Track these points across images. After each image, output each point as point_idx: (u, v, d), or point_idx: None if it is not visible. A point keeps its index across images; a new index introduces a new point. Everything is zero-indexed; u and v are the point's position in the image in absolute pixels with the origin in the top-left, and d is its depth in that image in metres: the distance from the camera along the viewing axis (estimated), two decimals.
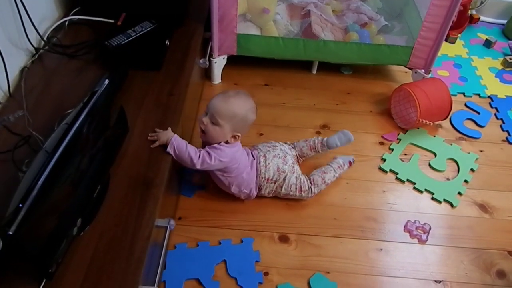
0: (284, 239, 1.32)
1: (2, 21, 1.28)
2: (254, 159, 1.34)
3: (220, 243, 1.29)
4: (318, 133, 1.66)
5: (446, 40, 2.14)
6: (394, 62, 1.79)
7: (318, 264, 1.26)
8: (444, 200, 1.45)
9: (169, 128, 1.22)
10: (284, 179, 1.34)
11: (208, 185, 1.42)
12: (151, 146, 1.18)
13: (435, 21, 1.59)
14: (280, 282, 1.21)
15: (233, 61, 1.79)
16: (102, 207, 1.03)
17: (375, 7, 1.93)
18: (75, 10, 1.59)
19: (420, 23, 1.62)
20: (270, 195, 1.38)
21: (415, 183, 1.49)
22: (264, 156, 1.34)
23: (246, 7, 1.69)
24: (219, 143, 1.22)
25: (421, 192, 1.48)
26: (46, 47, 1.45)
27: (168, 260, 1.23)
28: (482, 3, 2.26)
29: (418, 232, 1.36)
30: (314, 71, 1.92)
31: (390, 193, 1.47)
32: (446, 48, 2.12)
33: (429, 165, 1.56)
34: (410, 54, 1.71)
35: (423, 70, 1.76)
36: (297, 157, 1.47)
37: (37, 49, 1.44)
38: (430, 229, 1.37)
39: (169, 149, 1.18)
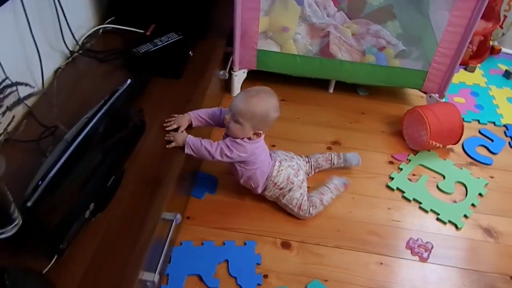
0: (286, 245, 1.36)
1: (43, 26, 1.41)
2: (271, 160, 1.37)
3: (224, 244, 1.34)
4: (329, 148, 1.71)
5: (465, 69, 2.18)
6: (408, 85, 1.83)
7: (317, 272, 1.29)
8: (449, 221, 1.46)
9: (184, 131, 1.30)
10: (290, 190, 1.38)
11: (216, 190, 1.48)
12: (167, 146, 1.26)
13: (449, 47, 1.63)
14: (278, 285, 1.25)
15: (252, 76, 1.87)
16: (114, 198, 1.11)
17: (394, 33, 1.99)
18: (109, 20, 1.72)
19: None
20: (272, 199, 1.43)
21: (421, 203, 1.51)
22: (280, 162, 1.38)
23: (268, 25, 1.79)
24: (242, 139, 1.26)
25: (426, 211, 1.49)
26: (80, 52, 1.58)
27: (173, 255, 1.29)
28: (503, 34, 2.29)
29: (419, 250, 1.37)
30: (331, 90, 1.98)
31: (395, 210, 1.49)
32: (464, 76, 2.15)
33: (437, 186, 1.58)
34: (424, 78, 1.75)
35: (437, 95, 1.80)
36: (310, 170, 1.53)
37: (71, 53, 1.56)
38: (432, 248, 1.38)
39: (186, 150, 1.25)
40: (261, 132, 1.26)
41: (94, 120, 1.03)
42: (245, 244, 1.35)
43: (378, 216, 1.47)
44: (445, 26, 1.59)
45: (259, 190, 1.39)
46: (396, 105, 1.93)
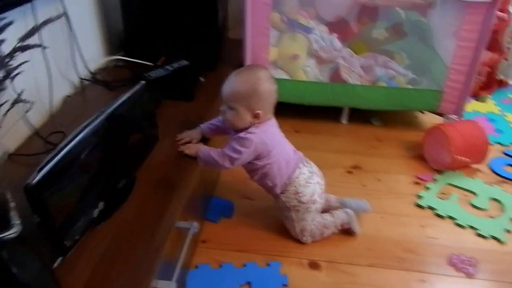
0: (314, 265, 1.22)
1: (56, 56, 1.41)
2: (294, 157, 1.23)
3: (244, 266, 1.20)
4: (349, 172, 1.62)
5: (476, 100, 2.16)
6: (424, 107, 1.79)
7: None
8: (491, 236, 1.33)
9: (193, 140, 1.24)
10: (306, 210, 1.22)
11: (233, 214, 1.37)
12: (179, 149, 1.20)
13: (462, 63, 1.62)
14: None
15: None
16: (126, 203, 1.01)
17: (402, 64, 1.99)
18: (120, 53, 1.73)
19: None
20: (280, 205, 1.26)
21: (456, 219, 1.39)
22: (311, 173, 1.24)
23: (277, 54, 1.79)
24: (245, 129, 1.15)
25: (463, 227, 1.36)
26: (90, 81, 1.56)
27: (188, 279, 1.15)
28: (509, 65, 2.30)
29: (464, 266, 1.22)
30: (344, 121, 1.93)
31: (429, 228, 1.36)
32: (477, 106, 2.12)
33: (470, 203, 1.46)
34: (440, 99, 1.72)
35: (455, 116, 1.75)
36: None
37: (82, 81, 1.55)
38: (477, 262, 1.23)
39: (199, 162, 1.17)
40: (259, 112, 1.12)
41: (106, 113, 0.96)
42: (268, 265, 1.20)
43: (411, 233, 1.34)
44: (455, 42, 1.59)
45: (278, 190, 1.22)
46: (413, 132, 1.87)
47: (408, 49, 2.01)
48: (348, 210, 1.31)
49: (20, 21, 1.12)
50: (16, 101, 0.80)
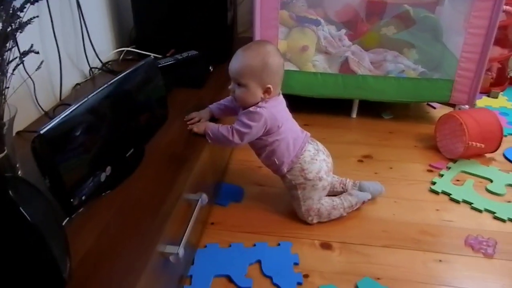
0: (326, 246, 1.18)
1: (68, 46, 1.44)
2: (302, 135, 1.22)
3: (254, 245, 1.17)
4: (360, 161, 1.59)
5: (488, 96, 2.13)
6: (435, 98, 1.77)
7: (367, 271, 1.10)
8: (509, 219, 1.28)
9: (202, 119, 1.23)
10: (312, 187, 1.20)
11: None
12: (188, 128, 1.19)
13: (473, 51, 1.61)
14: (323, 284, 1.05)
15: None
16: (136, 173, 1.00)
17: (412, 59, 1.98)
18: (130, 47, 1.75)
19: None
20: (287, 185, 1.24)
21: (472, 203, 1.34)
22: (317, 150, 1.22)
23: (286, 47, 1.80)
24: (255, 105, 1.12)
25: (480, 211, 1.32)
26: (100, 69, 1.58)
27: (196, 257, 1.12)
28: None
29: (482, 246, 1.18)
30: (354, 115, 1.92)
31: (445, 211, 1.32)
32: (489, 102, 2.09)
33: (486, 189, 1.42)
34: (451, 88, 1.70)
35: (467, 106, 1.72)
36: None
37: (92, 71, 1.56)
38: (496, 243, 1.19)
39: (209, 140, 1.16)
40: (270, 86, 1.10)
41: (116, 81, 0.96)
42: (279, 244, 1.17)
43: (427, 217, 1.30)
44: (465, 29, 1.58)
45: (284, 169, 1.20)
46: (424, 125, 1.84)
47: (418, 43, 2.01)
48: (352, 191, 1.29)
49: None
50: (26, 52, 0.80)
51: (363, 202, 1.30)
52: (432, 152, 1.65)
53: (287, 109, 1.22)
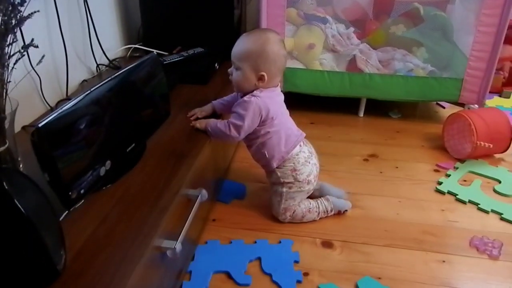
0: (327, 244, 1.17)
1: (76, 43, 1.46)
2: (298, 133, 1.21)
3: (255, 242, 1.16)
4: (366, 160, 1.57)
5: (500, 95, 2.09)
6: (444, 98, 1.74)
7: (367, 270, 1.08)
8: None
9: (205, 114, 1.24)
10: (298, 188, 1.19)
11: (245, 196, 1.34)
12: (190, 124, 1.20)
13: (483, 50, 1.58)
14: (322, 283, 1.04)
15: None
16: (134, 169, 1.01)
17: (421, 58, 1.96)
18: (137, 44, 1.77)
19: None
20: (272, 180, 1.22)
21: (478, 204, 1.32)
22: (311, 154, 1.22)
23: (293, 44, 1.79)
24: (250, 93, 1.12)
25: (487, 212, 1.30)
26: (107, 66, 1.59)
27: (196, 253, 1.12)
28: None
29: (487, 248, 1.16)
30: (361, 114, 1.90)
31: (450, 212, 1.30)
32: (501, 102, 2.06)
33: (494, 190, 1.40)
34: (460, 88, 1.67)
35: (476, 106, 1.69)
36: None
37: (99, 67, 1.57)
38: (502, 245, 1.16)
39: (210, 136, 1.16)
40: (264, 74, 1.10)
41: (118, 76, 0.96)
42: (279, 242, 1.17)
43: (431, 217, 1.28)
44: (475, 27, 1.55)
45: (274, 164, 1.18)
46: (432, 125, 1.82)
47: (427, 42, 1.99)
48: (330, 198, 1.27)
49: None
50: (27, 46, 0.81)
51: (339, 211, 1.27)
52: (439, 152, 1.63)
53: (284, 105, 1.21)
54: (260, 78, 1.11)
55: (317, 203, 1.25)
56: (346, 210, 1.28)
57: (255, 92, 1.12)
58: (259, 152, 1.19)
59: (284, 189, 1.20)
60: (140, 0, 1.71)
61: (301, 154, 1.19)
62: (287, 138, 1.17)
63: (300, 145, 1.20)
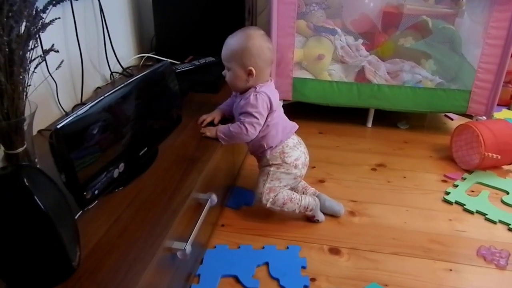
0: (335, 251, 1.18)
1: (91, 52, 1.50)
2: (292, 130, 1.26)
3: (263, 247, 1.18)
4: (373, 169, 1.59)
5: (508, 109, 2.10)
6: (452, 109, 1.75)
7: (374, 277, 1.09)
8: None
9: (215, 119, 1.27)
10: (286, 171, 1.22)
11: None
12: (200, 131, 1.22)
13: (491, 62, 1.59)
14: None
15: (287, 112, 1.85)
16: (147, 173, 1.03)
17: (430, 70, 1.98)
18: (150, 53, 1.81)
19: None
20: (262, 163, 1.26)
21: (486, 214, 1.32)
22: (300, 142, 1.27)
23: (302, 55, 1.82)
24: (247, 90, 1.18)
25: (494, 222, 1.30)
26: (121, 74, 1.63)
27: (205, 257, 1.14)
28: None
29: (494, 257, 1.16)
30: (369, 125, 1.92)
31: (458, 222, 1.31)
32: (509, 114, 2.06)
33: (502, 201, 1.40)
34: (468, 99, 1.68)
35: (484, 117, 1.70)
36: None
37: (112, 75, 1.61)
38: (509, 255, 1.16)
39: (222, 141, 1.19)
40: (251, 68, 1.14)
41: (134, 81, 1.00)
42: (287, 248, 1.18)
43: (439, 226, 1.28)
44: (483, 40, 1.57)
45: (268, 152, 1.22)
46: (440, 136, 1.83)
47: (435, 54, 2.00)
48: (316, 198, 1.29)
49: None
50: (47, 51, 0.84)
51: (314, 218, 1.28)
52: (447, 163, 1.63)
53: (271, 88, 1.23)
54: (250, 73, 1.15)
55: (301, 196, 1.26)
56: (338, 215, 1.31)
57: (257, 88, 1.17)
58: (258, 143, 1.23)
59: (272, 169, 1.23)
60: (154, 11, 1.76)
61: (290, 140, 1.24)
62: (283, 130, 1.23)
63: (292, 133, 1.26)
